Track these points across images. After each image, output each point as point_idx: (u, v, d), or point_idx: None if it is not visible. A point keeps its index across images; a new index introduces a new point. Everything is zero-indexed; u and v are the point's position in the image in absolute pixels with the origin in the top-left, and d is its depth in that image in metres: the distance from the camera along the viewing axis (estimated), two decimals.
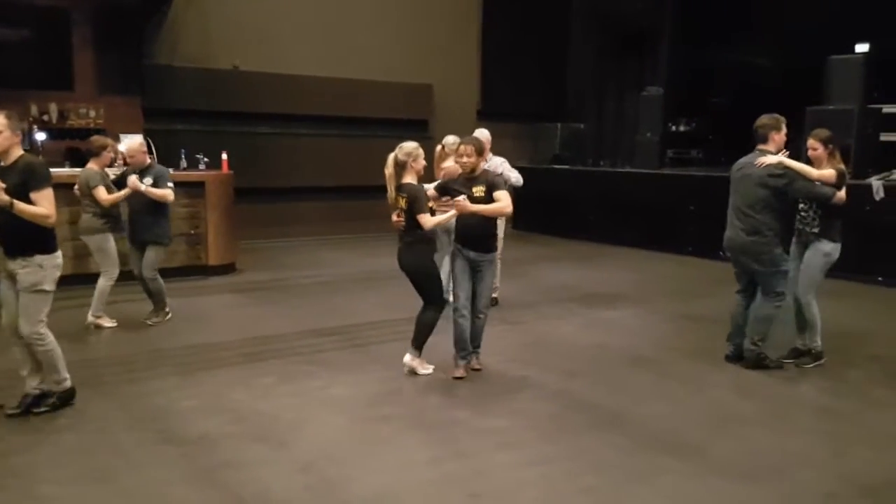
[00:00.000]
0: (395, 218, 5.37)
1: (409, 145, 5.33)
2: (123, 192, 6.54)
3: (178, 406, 4.89)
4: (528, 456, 4.22)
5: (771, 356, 5.74)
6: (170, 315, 6.89)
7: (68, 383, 4.77)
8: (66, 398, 4.76)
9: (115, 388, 5.22)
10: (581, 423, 4.71)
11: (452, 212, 5.22)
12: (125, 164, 7.12)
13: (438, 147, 6.90)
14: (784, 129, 5.56)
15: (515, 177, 7.34)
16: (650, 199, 11.81)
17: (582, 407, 4.98)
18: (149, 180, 6.61)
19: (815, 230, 5.61)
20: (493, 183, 5.30)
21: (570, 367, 5.79)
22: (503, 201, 5.25)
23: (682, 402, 5.12)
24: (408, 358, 5.51)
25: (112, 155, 6.79)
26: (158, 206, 6.71)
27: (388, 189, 5.35)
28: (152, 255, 6.77)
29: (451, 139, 6.77)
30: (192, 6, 11.39)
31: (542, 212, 13.04)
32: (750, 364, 5.71)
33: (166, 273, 6.84)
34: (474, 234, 5.35)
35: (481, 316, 5.53)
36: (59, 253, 4.60)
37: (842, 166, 5.51)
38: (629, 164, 13.10)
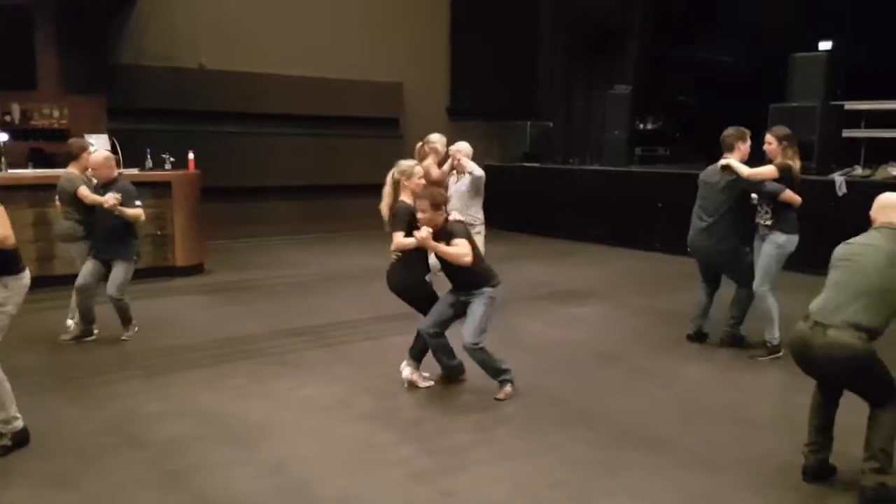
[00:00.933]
0: (393, 258, 5.18)
1: (405, 164, 5.17)
2: (102, 198, 6.08)
3: (146, 409, 4.84)
4: (498, 452, 4.25)
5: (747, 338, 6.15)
6: (136, 328, 6.50)
7: (20, 423, 4.25)
8: (19, 440, 4.24)
9: (83, 392, 5.15)
10: (551, 418, 4.75)
11: (413, 241, 4.93)
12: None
13: (419, 144, 6.74)
14: (748, 141, 5.92)
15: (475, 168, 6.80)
16: (619, 196, 11.89)
17: (552, 403, 5.02)
18: (116, 196, 6.11)
19: (769, 223, 5.83)
20: (450, 231, 4.98)
21: (541, 364, 5.82)
22: (462, 248, 4.88)
23: (651, 396, 5.19)
24: (407, 372, 5.26)
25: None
26: (127, 222, 6.25)
27: (383, 205, 5.22)
28: (121, 275, 6.23)
29: (434, 137, 6.72)
30: (157, 4, 11.24)
31: (512, 209, 13.07)
32: (727, 343, 6.16)
33: (132, 274, 6.61)
34: (455, 277, 5.14)
35: (472, 351, 5.00)
36: (26, 273, 4.25)
37: (788, 162, 5.69)
38: (598, 161, 13.18)
